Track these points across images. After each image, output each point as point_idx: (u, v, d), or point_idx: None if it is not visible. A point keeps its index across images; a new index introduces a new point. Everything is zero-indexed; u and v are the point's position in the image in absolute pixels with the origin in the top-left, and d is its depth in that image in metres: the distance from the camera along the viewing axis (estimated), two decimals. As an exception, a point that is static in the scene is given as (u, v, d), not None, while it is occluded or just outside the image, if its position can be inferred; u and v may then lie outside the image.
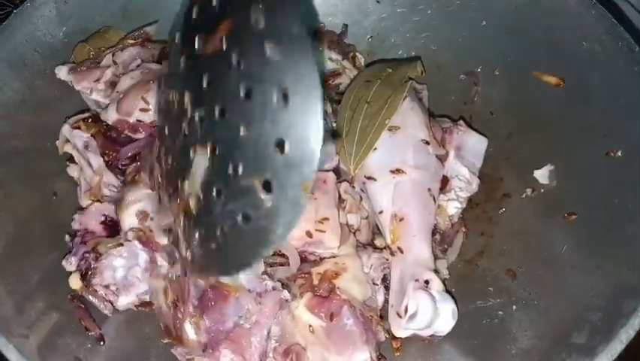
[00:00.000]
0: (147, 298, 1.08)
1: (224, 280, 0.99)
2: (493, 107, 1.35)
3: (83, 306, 1.02)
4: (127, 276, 1.06)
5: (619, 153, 1.10)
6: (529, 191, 1.23)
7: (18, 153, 1.15)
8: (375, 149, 1.16)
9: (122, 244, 1.07)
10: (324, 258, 1.06)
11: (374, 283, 1.10)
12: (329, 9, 1.50)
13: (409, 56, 1.42)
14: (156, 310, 1.03)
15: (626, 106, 1.12)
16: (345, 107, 1.23)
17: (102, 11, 1.32)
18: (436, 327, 1.04)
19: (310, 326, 0.99)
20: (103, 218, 1.11)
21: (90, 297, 1.05)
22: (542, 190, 1.21)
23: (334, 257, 1.06)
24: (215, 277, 0.98)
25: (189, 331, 0.97)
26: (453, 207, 1.22)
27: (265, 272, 1.05)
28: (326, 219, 1.06)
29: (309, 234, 1.06)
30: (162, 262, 1.04)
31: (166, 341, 1.02)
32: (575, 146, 1.18)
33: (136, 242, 1.07)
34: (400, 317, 1.04)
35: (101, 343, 1.01)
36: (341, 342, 0.97)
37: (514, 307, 1.07)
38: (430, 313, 1.01)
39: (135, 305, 1.08)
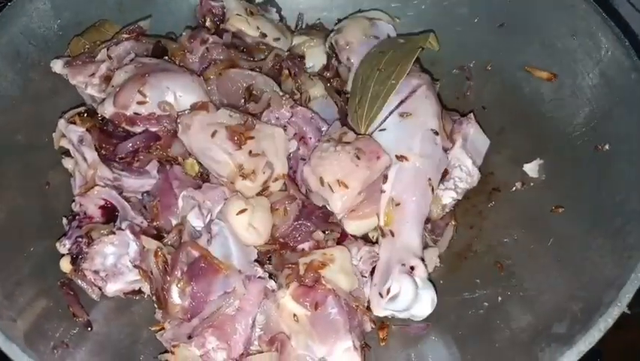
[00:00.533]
0: (136, 286, 1.10)
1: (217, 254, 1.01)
2: (486, 102, 1.35)
3: (72, 293, 1.04)
4: (117, 264, 1.07)
5: (606, 147, 1.11)
6: (518, 185, 1.24)
7: (12, 143, 1.17)
8: (384, 130, 1.17)
9: (114, 232, 1.08)
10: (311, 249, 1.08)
11: (362, 276, 1.11)
12: (324, 3, 1.51)
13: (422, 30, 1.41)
14: (145, 272, 1.05)
15: (616, 100, 1.12)
16: (358, 75, 1.25)
17: (98, 4, 1.34)
18: (413, 311, 1.06)
19: (295, 315, 1.00)
20: (103, 202, 1.12)
21: (79, 281, 1.07)
22: (532, 184, 1.22)
23: (322, 248, 1.07)
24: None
25: (175, 295, 0.99)
26: (448, 197, 1.22)
27: (257, 260, 1.07)
28: (345, 185, 1.08)
29: (321, 181, 1.08)
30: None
31: (153, 328, 1.04)
32: (565, 140, 1.19)
33: (128, 232, 1.08)
34: (382, 296, 1.05)
35: (89, 329, 1.02)
36: (324, 331, 0.97)
37: (499, 298, 1.08)
38: (411, 297, 1.03)
39: (124, 293, 1.09)
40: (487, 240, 1.21)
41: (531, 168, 1.23)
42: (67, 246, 1.08)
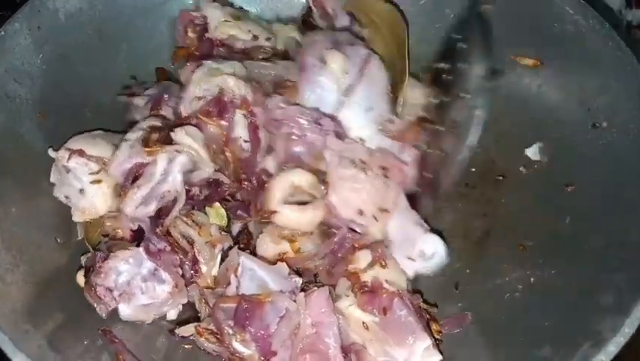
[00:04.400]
0: (153, 313, 1.07)
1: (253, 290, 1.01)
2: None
3: (117, 339, 0.98)
4: (129, 283, 1.04)
5: (604, 125, 1.17)
6: (522, 169, 1.29)
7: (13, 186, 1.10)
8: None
9: (129, 249, 1.04)
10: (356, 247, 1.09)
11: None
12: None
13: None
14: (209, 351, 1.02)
15: (604, 79, 1.18)
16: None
17: (77, 34, 1.28)
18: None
19: (364, 322, 1.00)
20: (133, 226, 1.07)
21: (88, 296, 1.02)
22: (536, 166, 1.27)
23: (367, 247, 1.08)
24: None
25: (241, 348, 0.96)
26: None
27: (292, 271, 1.06)
28: (386, 211, 1.09)
29: (360, 212, 1.08)
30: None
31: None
32: (560, 122, 1.25)
33: (142, 250, 1.05)
34: (414, 260, 1.11)
35: (146, 375, 0.97)
36: (399, 334, 0.98)
37: (532, 279, 1.12)
38: (444, 250, 1.11)
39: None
40: (503, 226, 1.25)
41: (533, 152, 1.28)
42: (85, 259, 1.05)
